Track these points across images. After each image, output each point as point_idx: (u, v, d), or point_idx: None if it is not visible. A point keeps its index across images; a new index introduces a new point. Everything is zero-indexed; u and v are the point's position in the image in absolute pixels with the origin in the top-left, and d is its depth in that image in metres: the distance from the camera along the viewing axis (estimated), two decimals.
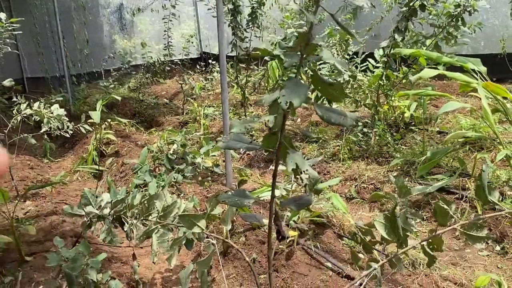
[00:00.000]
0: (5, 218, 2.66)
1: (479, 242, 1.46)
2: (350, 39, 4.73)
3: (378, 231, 1.58)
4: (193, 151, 3.97)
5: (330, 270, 2.47)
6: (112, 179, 4.14)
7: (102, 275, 1.97)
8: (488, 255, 2.72)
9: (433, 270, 2.49)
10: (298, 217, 2.79)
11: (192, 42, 7.04)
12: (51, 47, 7.39)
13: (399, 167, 3.85)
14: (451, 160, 3.79)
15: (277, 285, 2.37)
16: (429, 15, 4.12)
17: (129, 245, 2.86)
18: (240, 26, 5.42)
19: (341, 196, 3.42)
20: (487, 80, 3.23)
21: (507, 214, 1.49)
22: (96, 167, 4.38)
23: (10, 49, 4.35)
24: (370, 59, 4.51)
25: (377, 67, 4.36)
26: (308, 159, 3.28)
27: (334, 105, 4.21)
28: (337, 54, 4.79)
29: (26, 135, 3.73)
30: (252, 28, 5.63)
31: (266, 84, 7.01)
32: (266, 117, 1.19)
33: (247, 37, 5.59)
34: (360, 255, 2.06)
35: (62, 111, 3.61)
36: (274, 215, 1.51)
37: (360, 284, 1.68)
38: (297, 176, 1.30)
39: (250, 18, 5.53)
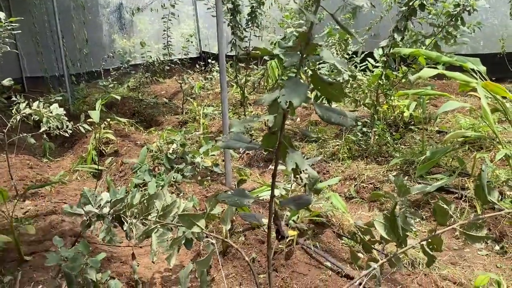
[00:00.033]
0: (5, 217, 2.66)
1: (478, 242, 1.46)
2: (349, 39, 4.72)
3: (378, 230, 1.58)
4: (192, 151, 3.97)
5: (330, 270, 2.47)
6: (111, 178, 4.14)
7: (101, 274, 1.96)
8: (487, 254, 2.72)
9: (433, 269, 2.49)
10: (298, 216, 2.79)
11: (192, 42, 7.03)
12: (51, 47, 7.38)
13: (398, 167, 3.85)
14: (451, 160, 3.80)
15: (277, 284, 2.37)
16: (428, 15, 4.12)
17: (129, 245, 2.85)
18: (239, 26, 5.42)
19: (340, 195, 3.42)
20: (486, 80, 3.23)
21: (506, 214, 1.49)
22: (96, 166, 4.37)
23: (9, 49, 4.34)
24: (369, 59, 4.50)
25: (377, 67, 4.36)
26: (307, 158, 3.27)
27: (334, 105, 4.20)
28: (337, 54, 4.78)
29: (25, 134, 3.74)
30: (252, 27, 5.63)
31: (266, 84, 7.01)
32: (266, 116, 1.19)
33: (247, 37, 5.59)
34: (360, 255, 2.06)
35: (61, 111, 3.61)
36: (273, 215, 1.51)
37: (360, 284, 1.69)
38: (297, 176, 1.30)
39: (249, 17, 5.53)
